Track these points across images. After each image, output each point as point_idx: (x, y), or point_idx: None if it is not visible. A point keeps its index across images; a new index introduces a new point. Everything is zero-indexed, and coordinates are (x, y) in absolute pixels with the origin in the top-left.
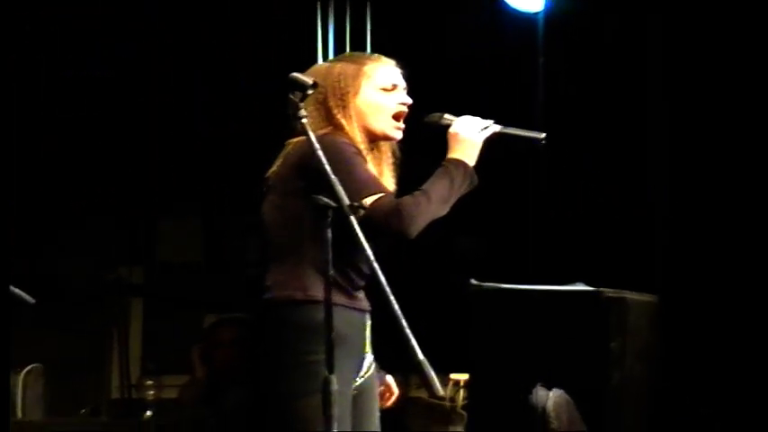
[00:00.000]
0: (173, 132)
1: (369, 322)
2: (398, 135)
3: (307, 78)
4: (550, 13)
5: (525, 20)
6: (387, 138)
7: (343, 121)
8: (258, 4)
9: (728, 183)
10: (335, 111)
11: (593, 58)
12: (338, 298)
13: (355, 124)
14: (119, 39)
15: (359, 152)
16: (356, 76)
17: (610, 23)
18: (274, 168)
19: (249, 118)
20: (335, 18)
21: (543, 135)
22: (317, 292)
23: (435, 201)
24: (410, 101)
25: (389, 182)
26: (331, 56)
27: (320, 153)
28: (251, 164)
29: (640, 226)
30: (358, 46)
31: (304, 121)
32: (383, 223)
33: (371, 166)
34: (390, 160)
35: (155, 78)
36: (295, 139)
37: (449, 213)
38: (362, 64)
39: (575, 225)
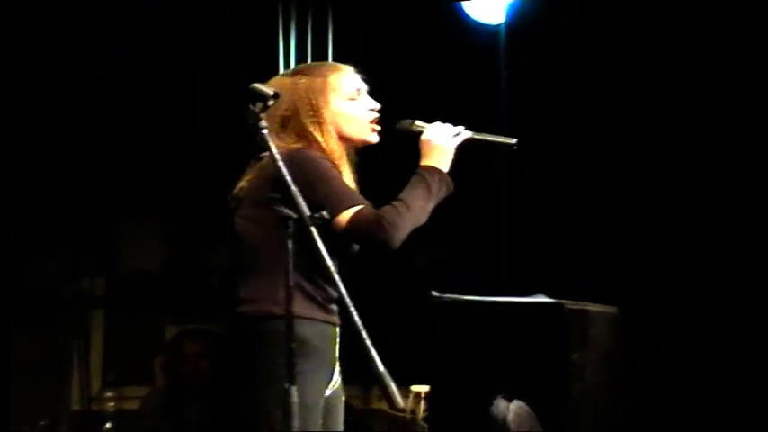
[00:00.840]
0: (133, 142)
1: (338, 337)
2: (376, 138)
3: (267, 89)
4: (512, 25)
5: (487, 31)
6: (365, 143)
7: (320, 137)
8: (218, 12)
9: (694, 195)
10: (311, 128)
11: (557, 69)
12: (315, 312)
13: (332, 137)
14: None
15: (334, 165)
16: (323, 90)
17: (574, 33)
18: (243, 183)
19: (208, 129)
20: (297, 26)
21: (515, 140)
22: (294, 306)
23: (415, 209)
24: (378, 105)
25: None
26: (293, 64)
27: (281, 164)
28: (212, 173)
29: (603, 238)
30: (320, 56)
31: (264, 132)
32: (367, 234)
33: (348, 177)
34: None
35: (120, 85)
36: (268, 153)
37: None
38: (326, 76)
39: (537, 237)
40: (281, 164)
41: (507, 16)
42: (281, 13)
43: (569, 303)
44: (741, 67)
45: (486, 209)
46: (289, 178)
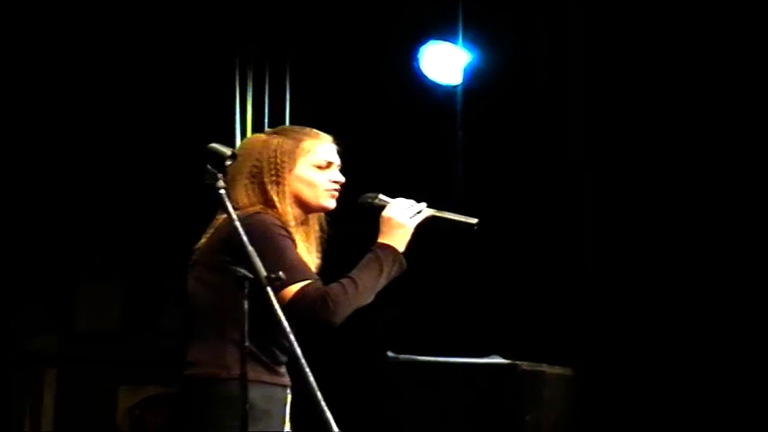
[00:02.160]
0: (91, 201)
1: (289, 397)
2: (332, 204)
3: (225, 149)
4: (468, 86)
5: (444, 92)
6: (322, 208)
7: (275, 198)
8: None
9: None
10: (269, 186)
11: (513, 130)
12: (261, 375)
13: (288, 200)
14: None
15: (288, 234)
16: (292, 153)
17: (529, 95)
18: (203, 241)
19: (169, 185)
20: (254, 87)
21: (476, 220)
22: (239, 369)
23: (362, 289)
24: (342, 179)
25: (315, 256)
26: (248, 124)
27: (238, 224)
28: (169, 234)
29: (559, 298)
30: (277, 115)
31: (222, 192)
32: (309, 312)
33: (300, 244)
34: (317, 234)
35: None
36: (224, 215)
37: None
38: (300, 140)
39: (492, 298)
40: (237, 224)
41: (464, 77)
42: (237, 74)
43: (524, 364)
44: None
45: (442, 268)
46: (245, 238)
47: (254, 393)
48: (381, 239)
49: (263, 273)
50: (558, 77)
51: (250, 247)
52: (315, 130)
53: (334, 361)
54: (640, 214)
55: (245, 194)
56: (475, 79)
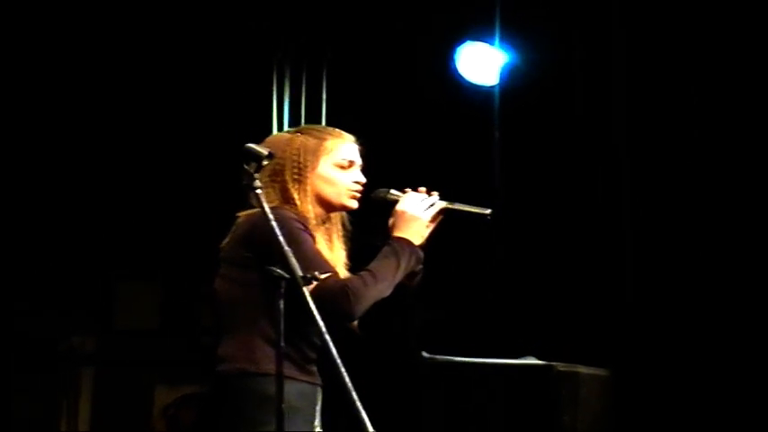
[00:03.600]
0: (130, 202)
1: (320, 396)
2: (354, 204)
3: (262, 149)
4: (505, 87)
5: (481, 93)
6: (343, 207)
7: (296, 195)
8: (212, 71)
9: (687, 255)
10: (290, 184)
11: (550, 130)
12: (290, 371)
13: (309, 198)
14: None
15: (306, 229)
16: (316, 151)
17: (567, 96)
18: (227, 239)
19: (207, 184)
20: (291, 86)
21: (489, 211)
22: (269, 364)
23: (381, 282)
24: (364, 180)
25: (341, 255)
26: (286, 125)
27: (275, 224)
28: (206, 233)
29: (595, 299)
30: (313, 115)
31: (259, 192)
32: (329, 304)
33: (321, 242)
34: (341, 233)
35: (116, 144)
36: (245, 212)
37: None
38: (323, 139)
39: (529, 299)
40: (274, 224)
41: (501, 78)
42: (275, 74)
43: (560, 365)
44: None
45: (478, 270)
46: (281, 238)
47: (286, 389)
48: (397, 233)
49: (300, 273)
50: (597, 77)
51: (287, 247)
52: (338, 130)
53: (370, 361)
54: (680, 214)
55: (265, 191)
56: (512, 80)
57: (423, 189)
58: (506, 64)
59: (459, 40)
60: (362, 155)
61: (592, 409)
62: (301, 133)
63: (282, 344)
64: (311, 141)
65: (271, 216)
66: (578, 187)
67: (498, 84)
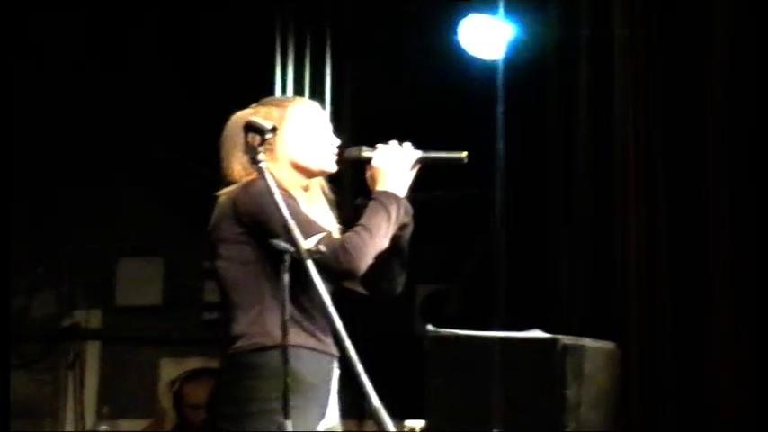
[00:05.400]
0: (132, 173)
1: (336, 370)
2: (334, 166)
3: (265, 123)
4: (510, 61)
5: (485, 67)
6: (323, 172)
7: (271, 166)
8: (215, 40)
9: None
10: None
11: (556, 106)
12: (307, 341)
13: (285, 166)
14: None
15: (289, 195)
16: (281, 120)
17: (573, 70)
18: (213, 220)
19: (209, 157)
20: (295, 58)
21: (465, 154)
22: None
23: (376, 234)
24: (338, 141)
25: (331, 221)
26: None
27: (278, 197)
28: (211, 205)
29: (602, 274)
30: (318, 89)
31: (263, 165)
32: (332, 262)
33: (305, 209)
34: (323, 200)
35: (119, 121)
36: (225, 190)
37: (409, 261)
38: (285, 107)
39: (535, 272)
40: (278, 197)
41: (506, 52)
42: (278, 45)
43: (565, 338)
44: None
45: (484, 245)
46: (287, 212)
47: (301, 363)
48: (379, 187)
49: (304, 246)
50: (604, 52)
51: (291, 221)
52: (297, 97)
53: (375, 334)
54: (683, 188)
55: (239, 167)
56: (517, 54)
57: (394, 141)
58: (512, 37)
59: (463, 11)
60: (329, 118)
61: (597, 382)
62: (263, 105)
63: (287, 316)
64: (275, 110)
65: (274, 190)
66: (583, 162)
67: (503, 57)
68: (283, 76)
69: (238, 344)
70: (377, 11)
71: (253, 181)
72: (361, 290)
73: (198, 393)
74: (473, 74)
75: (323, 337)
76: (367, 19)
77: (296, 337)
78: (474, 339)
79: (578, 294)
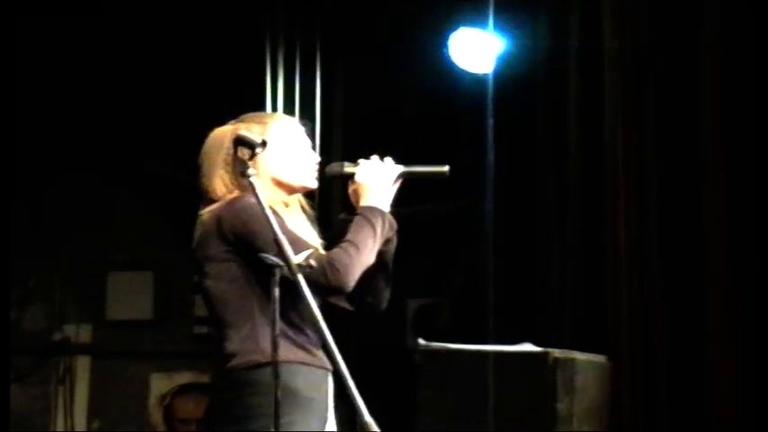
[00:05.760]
0: (122, 188)
1: (331, 383)
2: (315, 183)
3: (255, 137)
4: (500, 74)
5: (475, 81)
6: (305, 188)
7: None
8: (205, 52)
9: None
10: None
11: (546, 119)
12: (299, 355)
13: (267, 182)
14: None
15: (274, 211)
16: (262, 135)
17: (563, 83)
18: (197, 239)
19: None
20: (285, 71)
21: (447, 168)
22: (280, 353)
23: (363, 250)
24: (318, 157)
25: (313, 236)
26: (280, 110)
27: (268, 211)
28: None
29: (592, 287)
30: (308, 101)
31: (252, 180)
32: (321, 278)
33: (291, 223)
34: (303, 216)
35: (110, 134)
36: (207, 208)
37: (399, 275)
38: (265, 124)
39: (525, 285)
40: (269, 211)
41: (495, 66)
42: (268, 59)
43: (556, 352)
44: None
45: (474, 257)
46: (277, 227)
47: (297, 378)
48: (364, 203)
49: (294, 260)
50: (593, 64)
51: (281, 236)
52: (279, 114)
53: (366, 348)
54: (678, 196)
55: (221, 184)
56: (507, 67)
57: (375, 156)
58: (502, 51)
59: (453, 25)
60: (309, 135)
61: (587, 395)
62: (243, 122)
63: (278, 332)
64: (255, 128)
65: (264, 205)
66: (572, 174)
67: (493, 71)
68: (273, 89)
69: (233, 362)
70: (368, 24)
71: (237, 198)
72: (346, 305)
73: (188, 408)
74: (463, 87)
75: (315, 351)
76: (358, 32)
77: (288, 352)
78: (465, 353)
79: (569, 307)
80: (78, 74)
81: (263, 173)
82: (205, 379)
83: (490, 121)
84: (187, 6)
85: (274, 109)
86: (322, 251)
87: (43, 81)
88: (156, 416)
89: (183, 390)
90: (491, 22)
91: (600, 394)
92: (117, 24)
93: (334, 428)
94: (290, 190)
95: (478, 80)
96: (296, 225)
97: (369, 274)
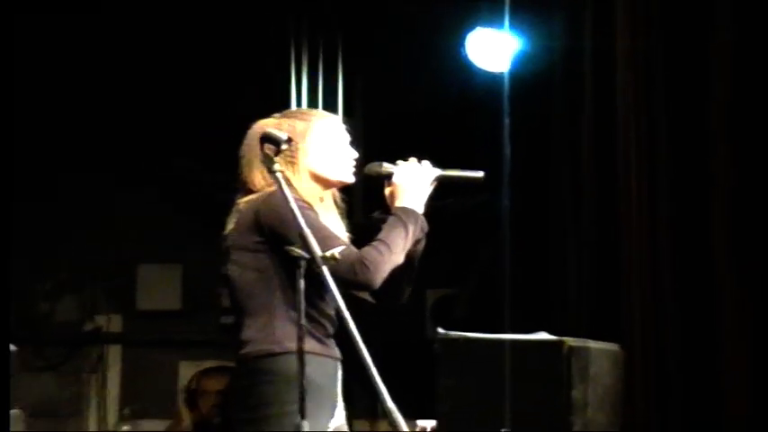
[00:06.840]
0: (151, 180)
1: (341, 372)
2: (352, 178)
3: (281, 134)
4: (516, 74)
5: (491, 79)
6: (343, 183)
7: (291, 176)
8: (229, 51)
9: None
10: (284, 167)
11: (561, 118)
12: (312, 346)
13: (304, 178)
14: None
15: (309, 206)
16: (304, 132)
17: (578, 82)
18: (231, 227)
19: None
20: (309, 68)
21: (482, 174)
22: (291, 342)
23: (394, 249)
24: (356, 154)
25: (342, 230)
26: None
27: (294, 205)
28: (228, 211)
29: (606, 276)
30: (330, 100)
31: (279, 175)
32: (350, 275)
33: (326, 219)
34: (335, 210)
35: (140, 131)
36: (245, 198)
37: (419, 267)
38: (309, 120)
39: (541, 275)
40: (293, 205)
41: (512, 65)
42: (293, 58)
43: (570, 340)
44: None
45: (492, 251)
46: (302, 220)
47: (310, 368)
48: (399, 203)
49: (319, 252)
50: (607, 64)
51: (307, 229)
52: (321, 111)
53: (388, 338)
54: (691, 192)
55: (260, 176)
56: (523, 66)
57: (413, 159)
58: (518, 50)
59: (470, 25)
60: (348, 132)
61: (602, 383)
62: (287, 117)
63: (303, 322)
64: (299, 123)
65: (290, 198)
66: (587, 173)
67: (509, 70)
68: (298, 89)
69: (246, 349)
70: (387, 26)
71: (274, 192)
72: (367, 297)
73: (210, 383)
74: (479, 85)
75: (327, 342)
76: (378, 34)
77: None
78: (483, 342)
79: (584, 300)
80: (104, 69)
81: (301, 167)
82: (228, 364)
83: (507, 120)
84: (214, 9)
85: (298, 106)
86: (352, 247)
87: (66, 76)
88: (182, 403)
89: (208, 370)
90: (507, 22)
91: (614, 382)
92: (144, 24)
93: (343, 415)
94: (327, 184)
95: (495, 79)
96: (329, 220)
97: (395, 272)
